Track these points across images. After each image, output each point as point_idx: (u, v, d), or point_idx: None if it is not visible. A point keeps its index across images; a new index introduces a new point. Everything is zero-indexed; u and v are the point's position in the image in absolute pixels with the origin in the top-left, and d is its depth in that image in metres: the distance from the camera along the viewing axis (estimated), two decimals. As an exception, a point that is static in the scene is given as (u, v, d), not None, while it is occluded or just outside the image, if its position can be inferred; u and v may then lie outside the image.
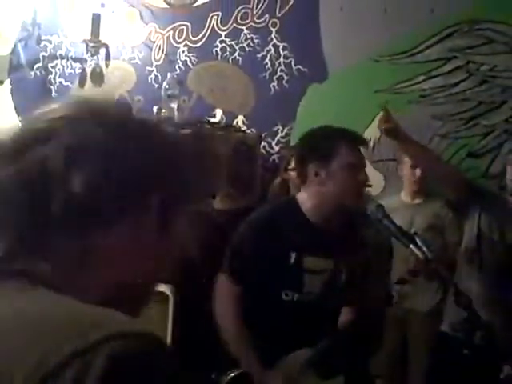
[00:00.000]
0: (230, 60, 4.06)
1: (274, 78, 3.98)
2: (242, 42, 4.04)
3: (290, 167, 3.42)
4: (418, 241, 2.10)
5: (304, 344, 2.09)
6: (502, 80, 3.65)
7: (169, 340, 3.27)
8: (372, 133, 3.81)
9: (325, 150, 2.17)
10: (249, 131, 3.94)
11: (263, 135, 3.93)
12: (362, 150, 2.24)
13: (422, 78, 3.75)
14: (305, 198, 2.20)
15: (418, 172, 3.37)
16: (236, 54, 4.05)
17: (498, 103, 3.66)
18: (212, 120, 3.89)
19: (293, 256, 2.12)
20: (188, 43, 4.11)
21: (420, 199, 3.46)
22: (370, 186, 3.81)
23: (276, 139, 3.98)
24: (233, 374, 2.07)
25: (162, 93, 3.46)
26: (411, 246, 2.10)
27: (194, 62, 4.11)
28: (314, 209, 2.18)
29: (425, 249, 2.08)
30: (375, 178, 3.82)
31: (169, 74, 3.70)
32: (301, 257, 2.13)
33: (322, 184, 2.15)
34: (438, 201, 3.42)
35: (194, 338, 3.32)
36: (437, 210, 3.39)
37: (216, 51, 4.08)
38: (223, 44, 4.08)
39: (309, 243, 2.14)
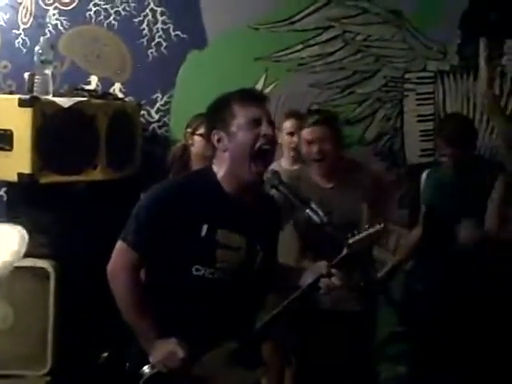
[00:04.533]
0: (105, 24, 3.89)
1: (152, 44, 3.87)
2: (117, 6, 3.87)
3: (198, 132, 3.31)
4: (313, 205, 2.14)
5: (217, 327, 1.99)
6: (376, 49, 3.79)
7: (51, 316, 3.15)
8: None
9: (221, 113, 2.07)
10: (127, 99, 3.81)
11: (142, 103, 3.82)
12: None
13: (300, 46, 3.80)
14: (217, 167, 2.09)
15: (295, 139, 3.43)
16: (111, 18, 3.88)
17: (372, 72, 3.80)
18: (87, 87, 3.72)
19: (204, 228, 1.98)
20: (59, 6, 3.87)
21: (298, 165, 3.51)
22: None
23: (155, 107, 3.89)
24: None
25: (35, 58, 3.24)
26: (307, 210, 2.13)
27: (66, 26, 3.89)
28: (226, 177, 2.06)
29: (320, 213, 2.12)
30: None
31: (42, 38, 3.47)
32: (213, 229, 1.99)
33: (226, 149, 2.05)
34: None
35: (77, 314, 3.22)
36: None
37: (89, 15, 3.88)
38: (97, 7, 3.89)
39: (223, 215, 2.01)
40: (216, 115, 2.09)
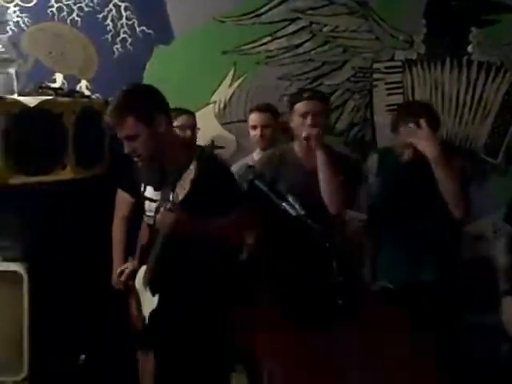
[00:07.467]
0: (68, 21, 3.81)
1: (117, 40, 3.81)
2: (80, 2, 3.80)
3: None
4: (290, 199, 2.13)
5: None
6: (343, 40, 3.79)
7: (26, 320, 3.09)
8: (222, 94, 3.81)
9: None
10: (94, 96, 3.74)
11: (110, 100, 3.75)
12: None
13: (267, 39, 3.78)
14: None
15: (257, 132, 3.40)
16: (74, 14, 3.81)
17: (341, 63, 3.80)
18: (53, 85, 3.64)
19: (142, 186, 2.77)
20: (20, 3, 3.79)
21: None
22: (223, 147, 3.85)
23: (123, 104, 3.82)
24: None
25: (-3, 57, 3.17)
26: (284, 204, 2.12)
27: (28, 23, 3.81)
28: None
29: (297, 206, 2.12)
30: (227, 139, 3.83)
31: (1, 36, 3.40)
32: (145, 187, 2.77)
33: None
34: None
35: (52, 317, 3.16)
36: None
37: (52, 11, 3.81)
38: (59, 3, 3.81)
39: (150, 178, 2.73)
40: None
